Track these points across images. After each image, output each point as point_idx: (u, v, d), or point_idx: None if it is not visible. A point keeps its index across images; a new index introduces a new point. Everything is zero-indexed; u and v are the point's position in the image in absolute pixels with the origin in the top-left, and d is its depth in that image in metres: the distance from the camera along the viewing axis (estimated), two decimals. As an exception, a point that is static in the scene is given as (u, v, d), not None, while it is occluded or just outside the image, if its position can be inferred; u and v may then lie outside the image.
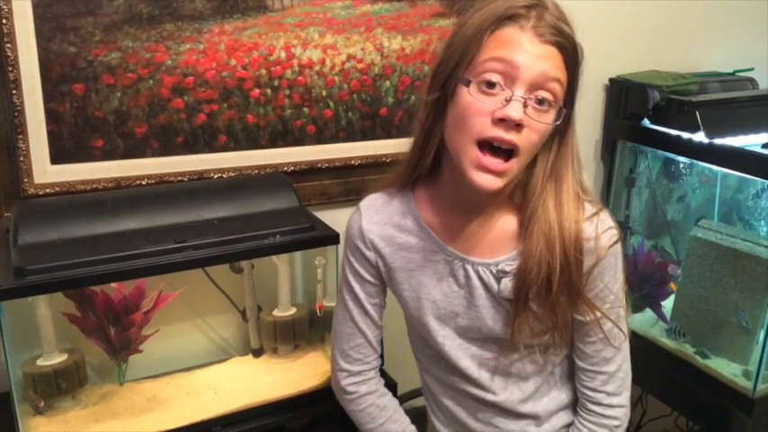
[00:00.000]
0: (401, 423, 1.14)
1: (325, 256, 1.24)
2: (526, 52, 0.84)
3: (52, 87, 1.18)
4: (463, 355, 1.04)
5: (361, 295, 1.07)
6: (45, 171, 1.20)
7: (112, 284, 1.09)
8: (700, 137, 1.50)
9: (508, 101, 0.84)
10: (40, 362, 1.10)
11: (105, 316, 1.12)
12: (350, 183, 1.50)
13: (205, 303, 1.27)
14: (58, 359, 1.11)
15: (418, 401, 1.64)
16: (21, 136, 1.17)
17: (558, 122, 0.88)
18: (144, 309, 1.15)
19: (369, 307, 1.08)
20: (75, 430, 1.08)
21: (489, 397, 1.05)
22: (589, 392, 1.04)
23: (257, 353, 1.31)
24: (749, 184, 1.64)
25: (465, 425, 1.09)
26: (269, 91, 1.36)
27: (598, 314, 0.97)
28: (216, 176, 1.34)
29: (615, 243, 0.97)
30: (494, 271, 0.98)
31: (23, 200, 1.18)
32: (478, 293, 0.99)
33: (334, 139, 1.45)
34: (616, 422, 1.04)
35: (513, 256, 0.97)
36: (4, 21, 1.11)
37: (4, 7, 1.11)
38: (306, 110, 1.41)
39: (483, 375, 1.04)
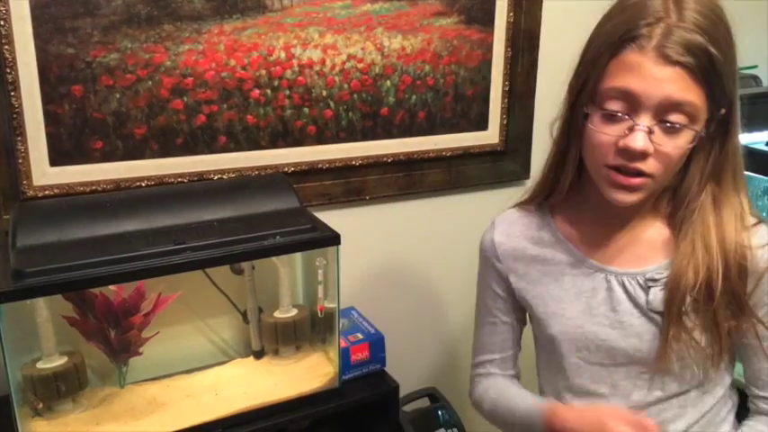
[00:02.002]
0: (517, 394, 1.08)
1: (326, 256, 1.23)
2: (647, 78, 0.79)
3: (51, 89, 1.17)
4: (601, 383, 0.97)
5: (494, 311, 1.07)
6: (44, 173, 1.20)
7: (112, 287, 1.08)
8: (703, 135, 1.49)
9: (631, 130, 0.81)
10: (39, 365, 1.09)
11: (105, 318, 1.12)
12: (351, 183, 1.49)
13: (205, 305, 1.27)
14: (57, 362, 1.10)
15: (420, 403, 1.63)
16: (19, 138, 1.16)
17: (694, 143, 0.83)
18: (144, 311, 1.14)
19: (499, 323, 1.07)
20: (76, 433, 1.08)
21: None
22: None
23: (258, 354, 1.30)
24: (753, 182, 1.63)
25: None
26: (269, 91, 1.35)
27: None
28: (216, 177, 1.33)
29: None
30: (641, 281, 0.91)
31: (22, 202, 1.17)
32: (624, 307, 0.93)
33: (335, 139, 1.45)
34: None
35: (664, 265, 0.91)
36: (1, 22, 1.11)
37: (2, 9, 1.10)
38: (306, 110, 1.40)
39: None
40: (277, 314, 1.29)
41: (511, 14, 1.56)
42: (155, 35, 1.23)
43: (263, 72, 1.34)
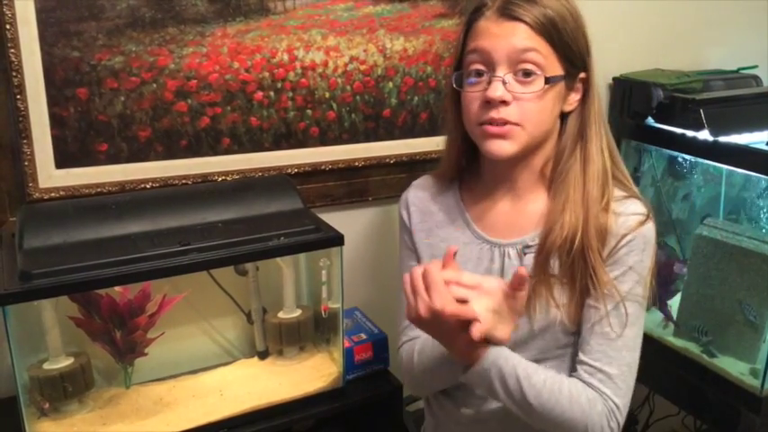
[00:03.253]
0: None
1: (330, 257, 1.24)
2: (493, 35, 0.93)
3: (56, 92, 1.18)
4: None
5: (411, 265, 1.07)
6: (50, 175, 1.21)
7: (117, 288, 1.09)
8: (704, 135, 1.49)
9: (489, 83, 0.93)
10: (46, 365, 1.10)
11: (111, 319, 1.12)
12: (354, 184, 1.50)
13: (210, 306, 1.27)
14: (64, 363, 1.11)
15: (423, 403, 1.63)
16: (25, 141, 1.17)
17: (548, 85, 0.93)
18: (149, 312, 1.15)
19: None
20: (82, 434, 1.09)
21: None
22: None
23: (263, 355, 1.31)
24: (754, 182, 1.63)
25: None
26: (272, 93, 1.36)
27: (611, 293, 0.93)
28: (220, 179, 1.34)
29: (644, 224, 0.95)
30: (518, 249, 0.98)
31: (28, 204, 1.18)
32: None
33: (338, 140, 1.45)
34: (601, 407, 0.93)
35: (540, 232, 0.97)
36: (7, 26, 1.12)
37: (8, 13, 1.11)
38: (309, 112, 1.41)
39: None
40: (281, 315, 1.29)
41: (512, 16, 1.57)
42: (159, 38, 1.24)
43: (267, 74, 1.35)
